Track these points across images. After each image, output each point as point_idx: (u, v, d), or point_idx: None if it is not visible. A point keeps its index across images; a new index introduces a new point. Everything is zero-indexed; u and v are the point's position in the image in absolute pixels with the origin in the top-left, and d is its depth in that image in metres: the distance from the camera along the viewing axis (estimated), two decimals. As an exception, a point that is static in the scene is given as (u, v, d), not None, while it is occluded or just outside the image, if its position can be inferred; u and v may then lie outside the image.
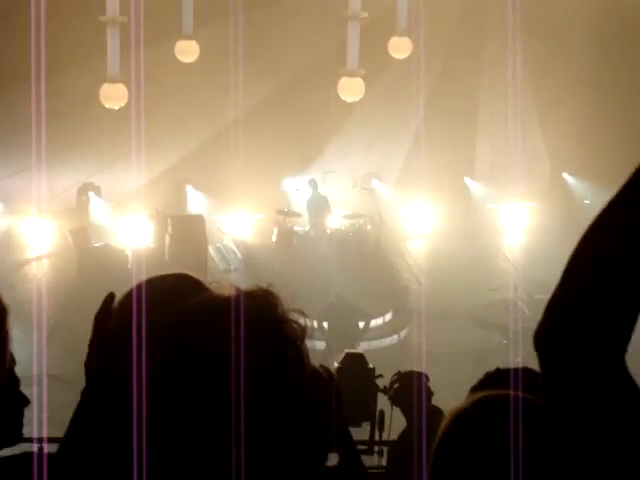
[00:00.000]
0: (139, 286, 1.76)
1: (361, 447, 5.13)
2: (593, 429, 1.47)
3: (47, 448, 1.99)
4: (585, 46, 19.77)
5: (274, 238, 18.28)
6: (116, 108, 16.03)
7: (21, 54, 13.01)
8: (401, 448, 5.35)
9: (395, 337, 16.34)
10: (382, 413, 5.60)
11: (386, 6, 17.47)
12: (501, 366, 2.90)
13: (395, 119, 19.86)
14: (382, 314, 16.60)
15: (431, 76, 18.56)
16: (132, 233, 17.80)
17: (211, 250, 18.33)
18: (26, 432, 2.39)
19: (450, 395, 3.47)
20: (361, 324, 15.75)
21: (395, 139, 20.24)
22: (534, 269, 16.33)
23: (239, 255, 18.64)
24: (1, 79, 17.86)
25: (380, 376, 5.69)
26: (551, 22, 20.11)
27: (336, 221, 18.61)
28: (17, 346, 2.34)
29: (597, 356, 1.46)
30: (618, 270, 1.46)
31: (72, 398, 1.91)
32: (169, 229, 17.63)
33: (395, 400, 5.46)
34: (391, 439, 5.79)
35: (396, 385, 5.43)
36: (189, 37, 17.49)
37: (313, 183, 19.10)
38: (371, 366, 5.72)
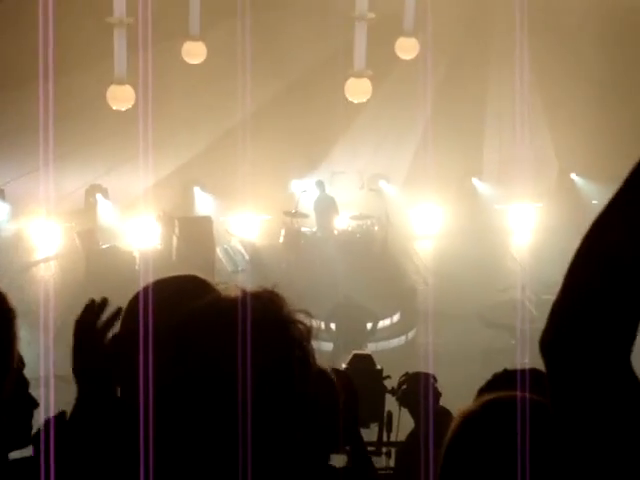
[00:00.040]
0: (147, 287, 1.77)
1: (369, 448, 5.12)
2: (600, 431, 1.46)
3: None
4: (593, 46, 19.73)
5: (281, 239, 18.28)
6: (123, 109, 16.05)
7: (29, 56, 13.03)
8: (409, 449, 5.35)
9: (403, 338, 16.34)
10: (390, 414, 5.60)
11: (393, 7, 17.46)
12: (509, 367, 2.90)
13: (402, 120, 19.85)
14: (390, 315, 16.59)
15: (438, 76, 18.55)
16: (140, 235, 17.82)
17: (218, 251, 18.34)
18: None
19: (458, 396, 3.47)
20: (369, 325, 15.75)
21: (402, 140, 20.23)
22: (542, 269, 16.30)
23: (246, 256, 18.64)
24: (9, 80, 17.90)
25: (388, 377, 5.69)
26: (559, 22, 20.08)
27: (343, 222, 18.60)
28: (25, 347, 2.35)
29: (602, 358, 1.46)
30: (620, 270, 1.45)
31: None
32: (176, 230, 17.64)
33: (403, 401, 5.45)
34: (399, 440, 5.79)
35: (404, 386, 5.43)
36: (196, 38, 17.51)
37: (320, 184, 19.10)
38: (379, 367, 5.72)
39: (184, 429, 1.66)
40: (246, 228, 19.17)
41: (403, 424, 5.67)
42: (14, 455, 2.19)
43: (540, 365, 1.66)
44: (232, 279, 16.26)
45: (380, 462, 5.73)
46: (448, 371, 9.54)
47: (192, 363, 1.66)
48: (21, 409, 2.32)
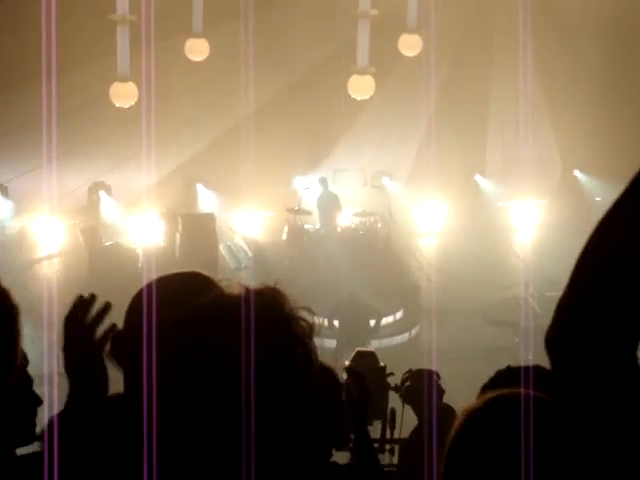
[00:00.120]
0: (150, 284, 1.77)
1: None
2: (606, 428, 1.46)
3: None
4: (596, 45, 19.72)
5: (284, 236, 18.28)
6: (126, 107, 16.05)
7: (31, 54, 13.03)
8: (412, 446, 5.35)
9: (406, 335, 16.34)
10: (393, 411, 5.60)
11: (396, 3, 17.45)
12: (512, 364, 2.90)
13: (405, 117, 19.85)
14: (393, 312, 16.59)
15: (441, 74, 18.54)
16: (143, 232, 17.83)
17: (222, 248, 18.35)
18: (39, 431, 2.39)
19: (461, 393, 3.47)
20: (372, 322, 15.75)
21: (405, 137, 20.23)
22: (545, 266, 16.30)
23: (249, 253, 18.65)
24: (12, 79, 17.92)
25: (391, 374, 5.68)
26: (562, 21, 20.07)
27: (346, 219, 18.60)
28: (29, 345, 2.35)
29: (608, 354, 1.46)
30: (625, 269, 1.46)
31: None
32: (180, 228, 17.65)
33: (406, 398, 5.46)
34: (402, 437, 5.79)
35: (407, 383, 5.43)
36: (199, 36, 17.51)
37: (323, 181, 19.10)
38: (382, 364, 5.71)
39: (187, 425, 1.66)
40: (249, 225, 19.18)
41: (406, 421, 5.67)
42: (21, 451, 2.20)
43: (543, 362, 1.66)
44: (235, 276, 16.27)
45: (383, 459, 5.73)
46: (451, 368, 9.54)
47: (195, 360, 1.66)
48: (25, 406, 2.32)
